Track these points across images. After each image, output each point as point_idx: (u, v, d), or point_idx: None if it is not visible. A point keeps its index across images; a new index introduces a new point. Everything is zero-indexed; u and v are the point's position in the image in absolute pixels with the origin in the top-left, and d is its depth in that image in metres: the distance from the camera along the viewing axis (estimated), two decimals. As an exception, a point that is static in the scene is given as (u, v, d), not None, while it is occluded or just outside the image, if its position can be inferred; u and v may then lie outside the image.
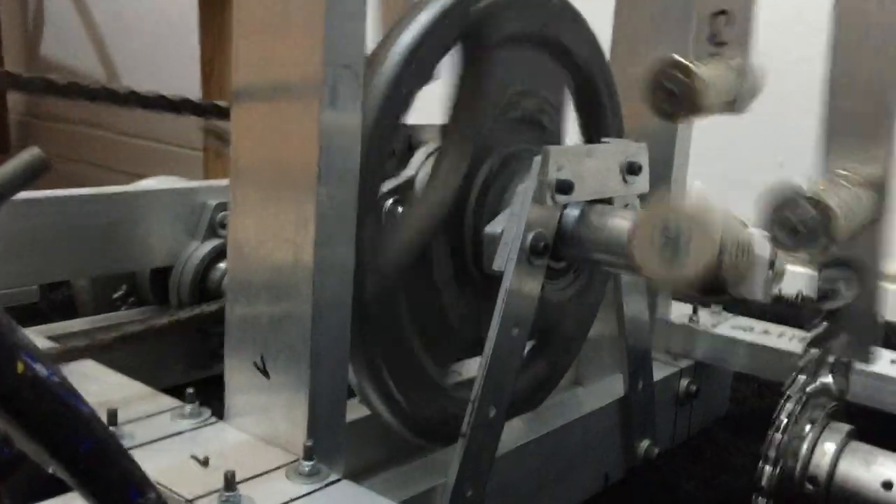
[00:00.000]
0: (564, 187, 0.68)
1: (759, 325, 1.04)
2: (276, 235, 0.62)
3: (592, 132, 0.85)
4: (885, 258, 0.66)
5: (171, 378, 1.00)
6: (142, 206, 1.01)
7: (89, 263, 0.98)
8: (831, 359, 0.69)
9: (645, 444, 0.92)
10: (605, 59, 0.86)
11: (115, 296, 1.10)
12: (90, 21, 2.62)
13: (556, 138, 0.82)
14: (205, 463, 0.59)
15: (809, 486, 0.66)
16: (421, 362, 0.72)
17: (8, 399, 0.29)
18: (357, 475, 0.65)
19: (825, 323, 0.68)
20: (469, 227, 0.73)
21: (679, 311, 1.06)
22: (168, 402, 0.68)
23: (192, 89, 1.49)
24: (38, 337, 0.87)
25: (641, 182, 0.76)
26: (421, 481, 0.73)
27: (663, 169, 0.94)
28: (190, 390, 0.67)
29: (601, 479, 0.91)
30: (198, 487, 0.56)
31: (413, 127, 0.71)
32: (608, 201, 0.73)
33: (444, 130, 0.70)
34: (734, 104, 0.75)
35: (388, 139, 0.67)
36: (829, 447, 0.67)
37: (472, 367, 0.79)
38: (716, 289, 0.56)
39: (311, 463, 0.59)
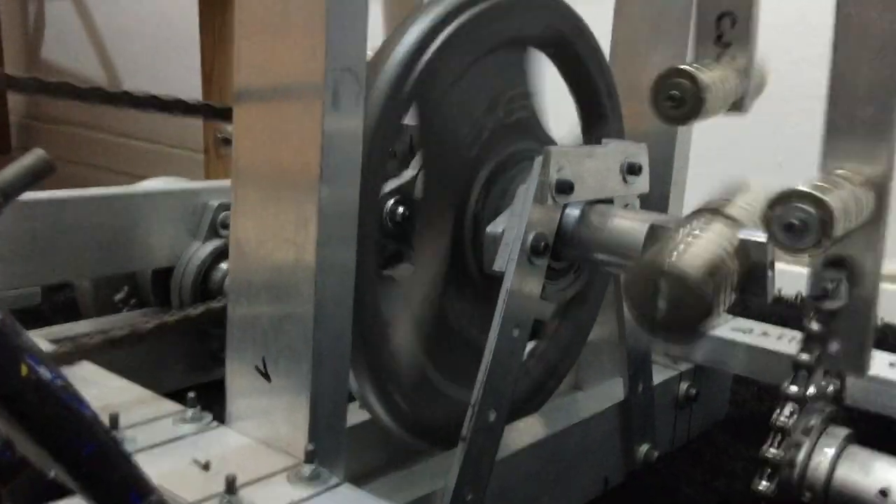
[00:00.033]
0: (565, 187, 0.68)
1: (759, 326, 1.04)
2: (278, 236, 0.62)
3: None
4: (884, 259, 0.66)
5: (172, 378, 1.01)
6: (143, 207, 1.00)
7: (91, 265, 0.98)
8: (827, 364, 0.68)
9: (644, 447, 0.92)
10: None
11: (117, 298, 1.10)
12: (91, 24, 2.62)
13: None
14: (206, 467, 0.59)
15: (808, 494, 0.66)
16: (421, 364, 0.72)
17: (11, 402, 0.29)
18: (357, 479, 0.65)
19: (822, 324, 0.67)
20: (469, 228, 0.73)
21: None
22: (170, 406, 0.68)
23: (192, 91, 1.49)
24: (40, 340, 0.87)
25: (641, 182, 0.76)
26: (421, 485, 0.73)
27: (663, 169, 0.94)
28: (191, 395, 0.66)
29: (601, 482, 0.91)
30: (199, 492, 0.56)
31: (414, 127, 0.71)
32: (609, 201, 0.73)
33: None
34: (739, 103, 0.76)
35: (389, 139, 0.67)
36: (827, 452, 0.66)
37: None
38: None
39: (312, 467, 0.59)
